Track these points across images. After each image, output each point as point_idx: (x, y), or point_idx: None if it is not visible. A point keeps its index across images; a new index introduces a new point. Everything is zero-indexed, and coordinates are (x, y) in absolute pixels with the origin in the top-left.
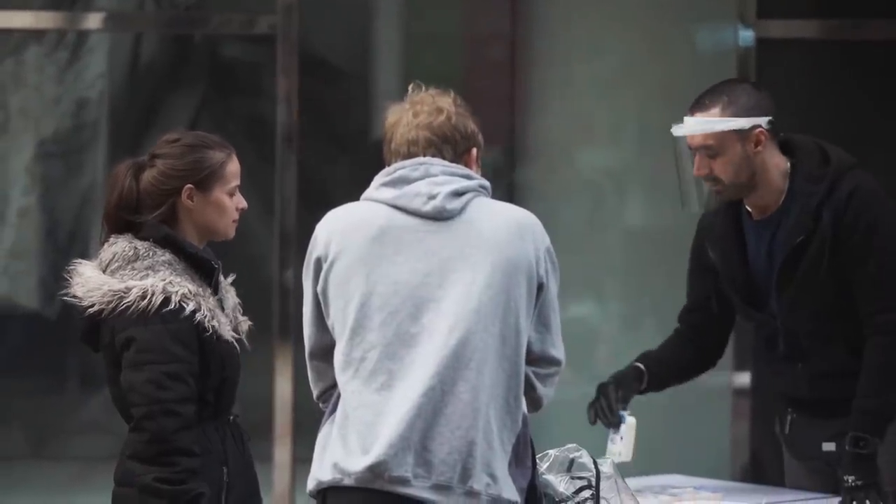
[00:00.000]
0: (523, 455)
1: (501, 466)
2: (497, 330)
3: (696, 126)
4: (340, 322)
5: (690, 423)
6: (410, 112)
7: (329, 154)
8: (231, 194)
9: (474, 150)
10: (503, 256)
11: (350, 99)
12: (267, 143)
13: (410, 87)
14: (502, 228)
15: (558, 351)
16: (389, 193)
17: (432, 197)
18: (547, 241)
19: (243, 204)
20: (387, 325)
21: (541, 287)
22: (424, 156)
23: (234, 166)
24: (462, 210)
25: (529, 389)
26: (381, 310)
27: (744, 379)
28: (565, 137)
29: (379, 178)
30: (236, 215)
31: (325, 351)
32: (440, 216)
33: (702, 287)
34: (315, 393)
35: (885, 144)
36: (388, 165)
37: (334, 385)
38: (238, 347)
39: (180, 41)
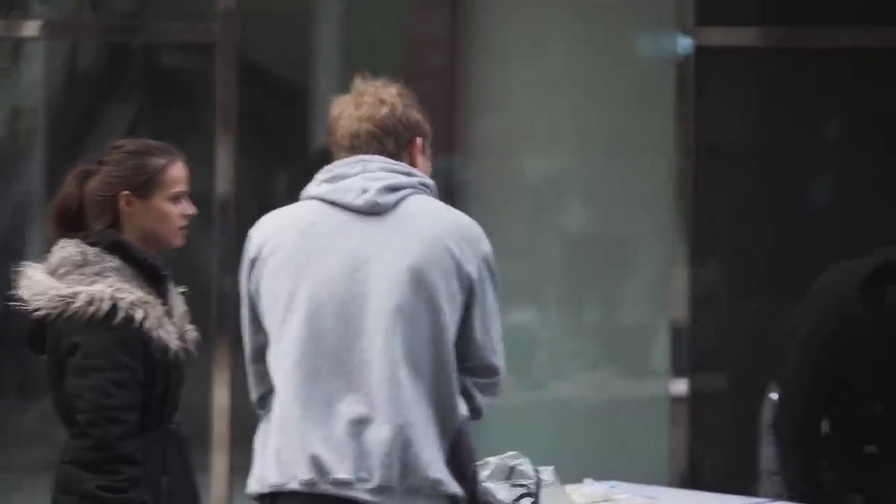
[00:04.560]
0: (460, 458)
1: (439, 462)
2: (422, 329)
3: None
4: (271, 320)
5: (629, 430)
6: (353, 104)
7: (268, 161)
8: (174, 201)
9: (419, 140)
10: (432, 256)
11: (289, 106)
12: (205, 150)
13: (355, 79)
14: (436, 229)
15: (497, 359)
16: (325, 189)
17: (365, 191)
18: (486, 249)
19: (190, 210)
20: (312, 321)
21: (472, 294)
22: (367, 148)
23: (176, 172)
24: (395, 205)
25: (468, 399)
26: (307, 305)
27: (681, 387)
28: (505, 142)
29: (319, 176)
30: (182, 222)
31: (262, 353)
32: (372, 210)
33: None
34: (253, 397)
35: (825, 152)
36: (335, 158)
37: (272, 390)
38: (184, 356)
39: (118, 49)
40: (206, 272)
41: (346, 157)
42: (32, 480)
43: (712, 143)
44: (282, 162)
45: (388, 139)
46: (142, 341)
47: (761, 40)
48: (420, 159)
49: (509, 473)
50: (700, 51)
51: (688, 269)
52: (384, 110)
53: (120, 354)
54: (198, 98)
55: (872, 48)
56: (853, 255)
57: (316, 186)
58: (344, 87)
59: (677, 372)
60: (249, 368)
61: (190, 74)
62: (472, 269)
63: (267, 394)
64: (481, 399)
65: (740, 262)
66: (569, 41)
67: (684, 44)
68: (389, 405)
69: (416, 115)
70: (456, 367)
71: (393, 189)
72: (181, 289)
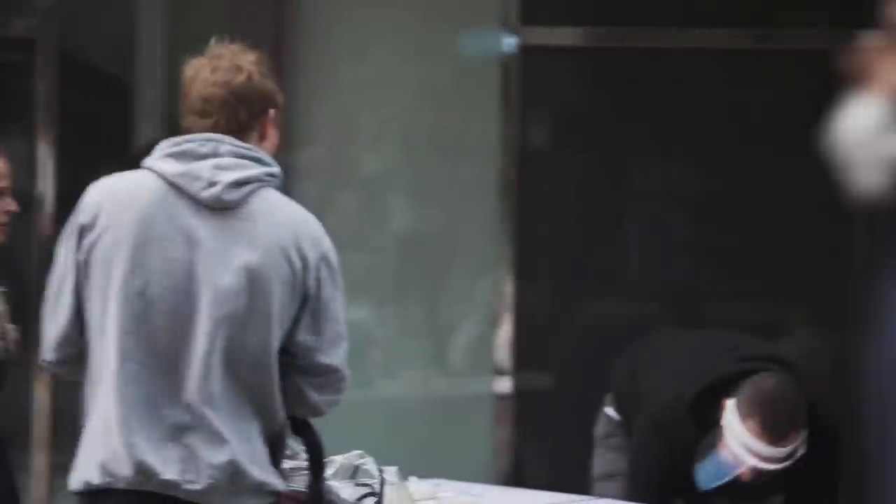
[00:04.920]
0: (279, 458)
1: (262, 464)
2: (250, 336)
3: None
4: (97, 307)
5: (455, 428)
6: (209, 68)
7: (90, 157)
8: None
9: (272, 112)
10: (270, 263)
11: (112, 101)
12: (26, 146)
13: (213, 40)
14: (276, 233)
15: (331, 358)
16: (171, 168)
17: (212, 184)
18: (325, 247)
19: (11, 207)
20: (142, 319)
21: (307, 299)
22: (219, 115)
23: None
24: (241, 202)
25: (301, 399)
26: (139, 301)
27: (506, 385)
28: (333, 140)
29: (165, 147)
30: (3, 219)
31: (79, 318)
32: (216, 206)
33: None
34: (50, 357)
35: (648, 150)
36: (184, 122)
37: (77, 356)
38: (4, 356)
39: None
40: (26, 271)
41: (197, 122)
42: None
43: (537, 142)
44: (104, 158)
45: (242, 108)
46: None
47: (585, 40)
48: (271, 131)
49: (354, 472)
50: (524, 50)
51: (512, 268)
52: (240, 78)
53: None
54: (18, 94)
55: (693, 49)
56: (673, 247)
57: (160, 160)
58: (166, 85)
59: (502, 371)
60: (56, 330)
61: (10, 70)
62: (309, 275)
63: (70, 356)
64: (317, 398)
65: (565, 262)
66: (395, 39)
67: (509, 43)
68: (210, 411)
69: (272, 86)
70: (279, 373)
71: (241, 184)
72: (1, 288)
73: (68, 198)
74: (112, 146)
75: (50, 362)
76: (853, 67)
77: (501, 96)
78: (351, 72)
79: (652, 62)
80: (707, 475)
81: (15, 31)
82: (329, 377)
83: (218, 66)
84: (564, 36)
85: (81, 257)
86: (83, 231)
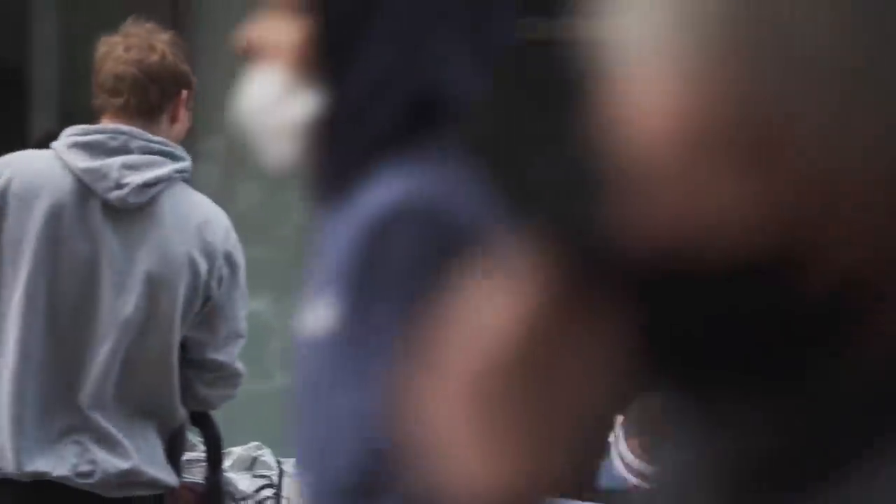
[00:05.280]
0: (176, 453)
1: (156, 462)
2: (150, 339)
3: None
4: (3, 293)
5: None
6: (122, 46)
7: None
8: None
9: (184, 93)
10: (173, 265)
11: (7, 94)
12: None
13: (129, 20)
14: (181, 234)
15: (222, 355)
16: (80, 161)
17: (120, 186)
18: (229, 244)
19: None
20: (43, 315)
21: (208, 297)
22: (130, 94)
23: None
24: (149, 203)
25: (192, 391)
26: (43, 299)
27: None
28: (234, 130)
29: (72, 134)
30: None
31: None
32: (123, 207)
33: None
34: None
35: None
36: (95, 100)
37: None
38: None
39: None
40: None
41: (108, 100)
42: None
43: None
44: (1, 149)
45: (154, 88)
46: None
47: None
48: (182, 113)
49: (251, 464)
50: None
51: None
52: (153, 57)
53: None
54: None
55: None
56: None
57: (68, 151)
58: (60, 74)
59: None
60: None
61: None
62: (213, 274)
63: None
64: (206, 392)
65: None
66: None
67: None
68: (101, 415)
69: (185, 67)
70: (177, 365)
71: (148, 185)
72: None
73: None
74: (9, 138)
75: None
76: (250, 40)
77: None
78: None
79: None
80: (607, 477)
81: None
82: (221, 373)
83: (131, 44)
84: None
85: None
86: None
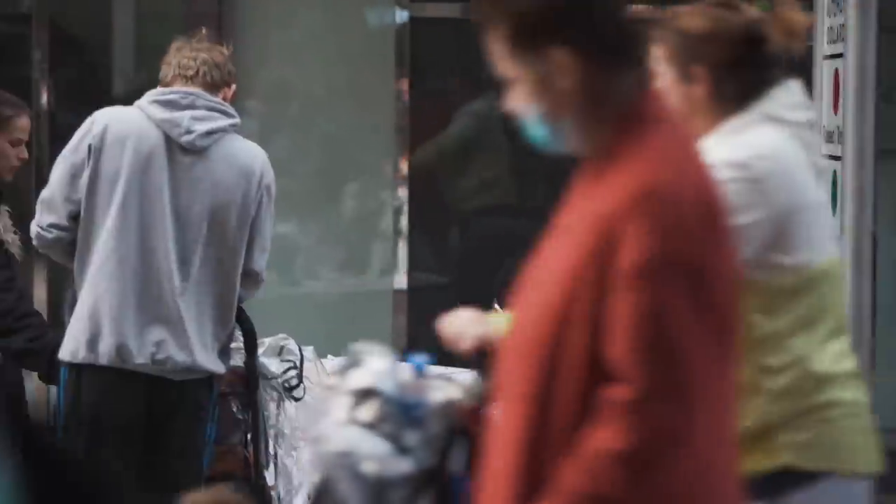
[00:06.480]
0: (229, 345)
1: (214, 354)
2: (214, 250)
3: None
4: (101, 208)
5: (360, 318)
6: (194, 41)
7: (76, 108)
8: (14, 145)
9: (233, 86)
10: (226, 194)
11: (92, 65)
12: (26, 102)
13: (196, 32)
14: (234, 170)
15: (255, 264)
16: (159, 114)
17: (189, 133)
18: (268, 180)
19: (24, 155)
20: (134, 227)
21: (255, 221)
22: (199, 69)
23: (21, 122)
24: (209, 148)
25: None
26: (132, 214)
27: (402, 281)
28: (266, 94)
29: (152, 95)
30: (16, 163)
31: (65, 202)
32: (192, 149)
33: None
34: (47, 221)
35: None
36: (165, 77)
37: (62, 227)
38: (17, 255)
39: None
40: (29, 216)
41: (179, 75)
42: None
43: (423, 93)
44: (88, 109)
45: (216, 71)
46: None
47: (465, 13)
48: (230, 97)
49: (280, 351)
50: (414, 21)
51: (408, 191)
52: (215, 54)
53: None
54: (17, 57)
55: None
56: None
57: (150, 105)
58: (137, 50)
59: (400, 270)
60: (46, 204)
61: (13, 39)
62: (256, 201)
63: (57, 223)
64: (240, 291)
65: (454, 186)
66: (313, 14)
67: (402, 15)
68: (180, 313)
69: (233, 69)
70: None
71: (210, 133)
72: (5, 207)
73: (58, 142)
74: (95, 99)
75: (46, 228)
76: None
77: (396, 58)
78: (279, 39)
79: None
80: None
81: (18, 9)
82: (252, 278)
83: (202, 44)
84: (448, 9)
85: (87, 173)
86: (90, 149)
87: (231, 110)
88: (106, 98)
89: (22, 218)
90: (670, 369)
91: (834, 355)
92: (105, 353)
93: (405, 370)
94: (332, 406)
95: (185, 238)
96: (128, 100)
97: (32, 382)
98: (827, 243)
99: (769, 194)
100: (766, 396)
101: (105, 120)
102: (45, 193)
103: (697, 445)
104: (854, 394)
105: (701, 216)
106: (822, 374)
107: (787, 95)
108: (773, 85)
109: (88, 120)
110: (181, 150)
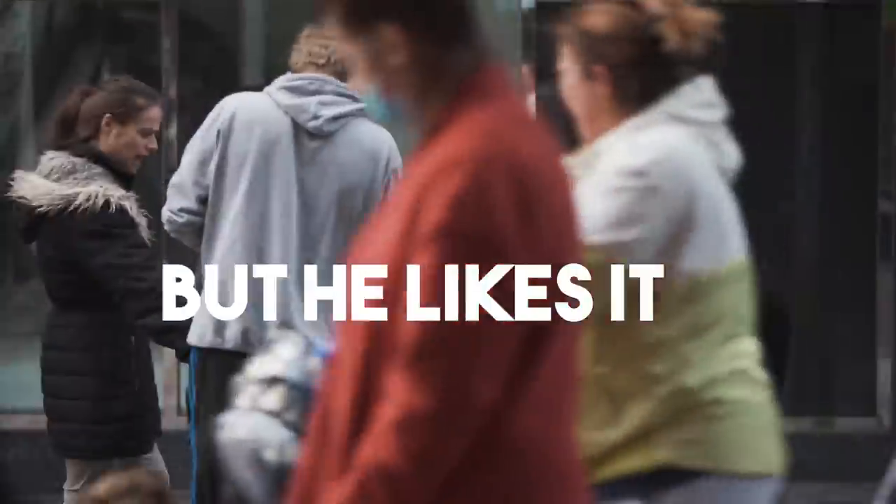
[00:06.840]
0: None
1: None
2: (340, 234)
3: None
4: (228, 191)
5: None
6: (323, 32)
7: (205, 95)
8: (144, 135)
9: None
10: (354, 177)
11: (222, 53)
12: (154, 88)
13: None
14: (361, 155)
15: None
16: (286, 99)
17: (316, 118)
18: (396, 164)
19: (153, 145)
20: (259, 212)
21: (377, 199)
22: (329, 57)
23: (152, 113)
24: (336, 133)
25: None
26: (258, 198)
27: None
28: None
29: (280, 81)
30: (144, 152)
31: (194, 186)
32: (319, 134)
33: None
34: (177, 205)
35: None
36: (295, 64)
37: (193, 212)
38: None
39: (86, 7)
40: (157, 201)
41: (309, 62)
42: (28, 346)
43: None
44: (217, 96)
45: (341, 63)
46: (131, 226)
47: None
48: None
49: None
50: (539, 6)
51: None
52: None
53: (122, 231)
54: (147, 45)
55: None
56: None
57: (278, 91)
58: (267, 38)
59: None
60: (176, 188)
61: (142, 26)
62: (382, 185)
63: (187, 209)
64: None
65: None
66: None
67: (528, 0)
68: (298, 298)
69: None
70: None
71: (337, 118)
72: (135, 196)
73: (187, 129)
74: (222, 87)
75: (176, 212)
76: None
77: (523, 43)
78: None
79: None
80: None
81: None
82: None
83: (328, 35)
84: None
85: (216, 156)
86: (219, 134)
87: (357, 94)
88: (235, 86)
89: (149, 206)
90: (446, 330)
91: (728, 356)
92: (231, 338)
93: (316, 358)
94: (238, 394)
95: (312, 223)
96: (257, 87)
97: (162, 364)
98: (730, 246)
99: (666, 201)
100: (652, 402)
101: (233, 106)
102: (175, 178)
103: (483, 405)
104: (743, 393)
105: (512, 191)
106: (708, 377)
107: (695, 94)
108: (681, 83)
109: (217, 106)
110: (308, 136)
